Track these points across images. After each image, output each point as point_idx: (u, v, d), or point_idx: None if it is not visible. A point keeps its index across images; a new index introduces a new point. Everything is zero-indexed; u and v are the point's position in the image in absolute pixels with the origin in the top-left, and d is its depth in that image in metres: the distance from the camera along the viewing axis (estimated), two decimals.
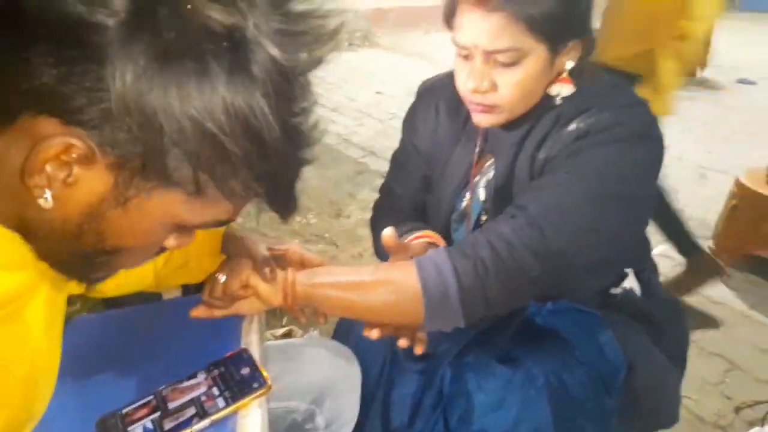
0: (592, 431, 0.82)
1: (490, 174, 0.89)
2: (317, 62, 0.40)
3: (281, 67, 0.37)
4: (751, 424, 1.46)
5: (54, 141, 0.37)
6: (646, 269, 0.99)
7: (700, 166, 3.05)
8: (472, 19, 0.73)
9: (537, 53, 0.74)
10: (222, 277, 0.72)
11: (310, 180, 2.67)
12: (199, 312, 0.75)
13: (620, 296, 0.93)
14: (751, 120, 3.95)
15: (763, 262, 2.07)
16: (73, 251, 0.43)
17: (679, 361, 0.96)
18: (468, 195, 0.92)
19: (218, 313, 0.75)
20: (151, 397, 0.63)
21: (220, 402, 0.61)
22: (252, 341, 0.74)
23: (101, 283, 0.52)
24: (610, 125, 0.76)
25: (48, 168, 0.38)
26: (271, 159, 0.40)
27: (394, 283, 0.73)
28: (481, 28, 0.73)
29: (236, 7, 0.35)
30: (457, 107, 0.94)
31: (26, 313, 0.46)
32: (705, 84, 4.71)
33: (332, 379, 0.78)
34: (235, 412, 0.61)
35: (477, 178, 0.91)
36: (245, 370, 0.66)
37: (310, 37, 0.38)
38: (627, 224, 0.78)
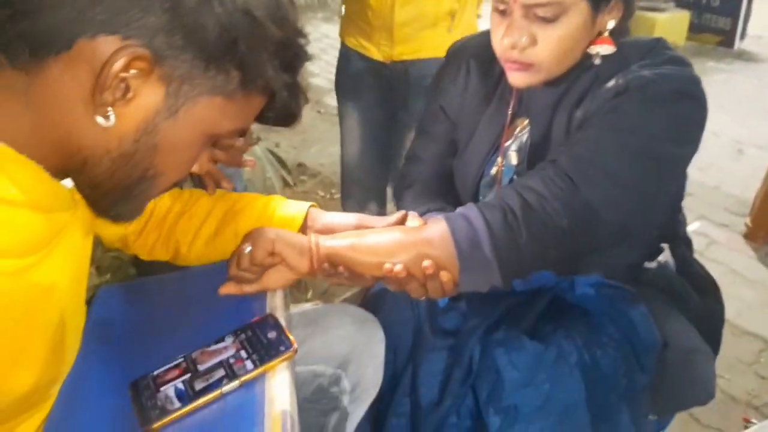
0: (624, 409, 0.80)
1: (524, 137, 0.86)
2: None
3: None
4: None
5: (121, 54, 0.39)
6: (681, 244, 0.95)
7: (737, 142, 2.95)
8: None
9: (579, 9, 0.71)
10: (248, 248, 0.71)
11: (333, 155, 2.67)
12: (228, 289, 0.74)
13: (654, 271, 0.91)
14: None
15: None
16: (119, 178, 0.45)
17: (713, 339, 0.93)
18: (499, 160, 0.89)
19: (248, 288, 0.73)
20: (181, 359, 0.63)
21: (249, 364, 0.61)
22: (277, 307, 0.74)
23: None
24: (650, 82, 0.73)
25: (116, 83, 0.40)
26: (292, 46, 0.47)
27: (423, 239, 0.71)
28: None
29: None
30: (489, 68, 0.91)
31: (54, 260, 0.46)
32: (743, 56, 4.51)
33: (357, 344, 0.78)
34: (263, 374, 0.61)
35: (509, 142, 0.88)
36: (272, 334, 0.66)
37: None
38: (660, 184, 0.76)
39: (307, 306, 0.85)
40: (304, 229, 0.78)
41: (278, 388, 0.59)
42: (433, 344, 0.88)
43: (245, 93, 0.46)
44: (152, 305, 0.80)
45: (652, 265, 0.91)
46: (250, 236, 0.73)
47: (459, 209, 0.75)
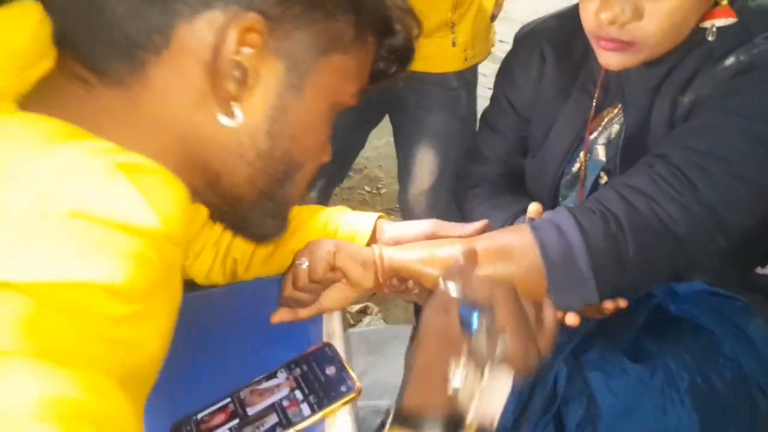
0: None
1: (613, 129, 0.74)
2: None
3: None
4: None
5: (231, 29, 0.32)
6: None
7: None
8: None
9: None
10: (304, 263, 0.61)
11: (378, 148, 2.57)
12: (281, 316, 0.65)
13: None
14: None
15: None
16: (262, 183, 0.39)
17: None
18: (581, 155, 0.77)
19: (303, 313, 0.64)
20: (228, 400, 0.55)
21: (305, 409, 0.52)
22: (335, 332, 0.65)
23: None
24: None
25: (232, 68, 0.34)
26: None
27: (504, 250, 0.60)
28: None
29: None
30: (567, 53, 0.79)
31: (155, 312, 0.37)
32: None
33: None
34: (321, 420, 0.52)
35: (594, 135, 0.76)
36: (330, 370, 0.57)
37: None
38: None
39: (359, 316, 0.75)
40: (371, 243, 0.68)
41: None
42: None
43: (361, 40, 0.40)
44: (196, 326, 0.72)
45: (766, 271, 0.78)
46: (306, 250, 0.63)
47: (546, 215, 0.64)
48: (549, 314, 0.51)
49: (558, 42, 0.79)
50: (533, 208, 0.68)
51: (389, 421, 0.42)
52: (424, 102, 1.28)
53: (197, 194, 0.39)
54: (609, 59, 0.66)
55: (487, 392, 0.41)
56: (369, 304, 1.58)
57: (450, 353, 0.42)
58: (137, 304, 0.33)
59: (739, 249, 0.73)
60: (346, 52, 0.39)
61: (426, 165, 1.32)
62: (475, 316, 0.44)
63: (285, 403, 0.53)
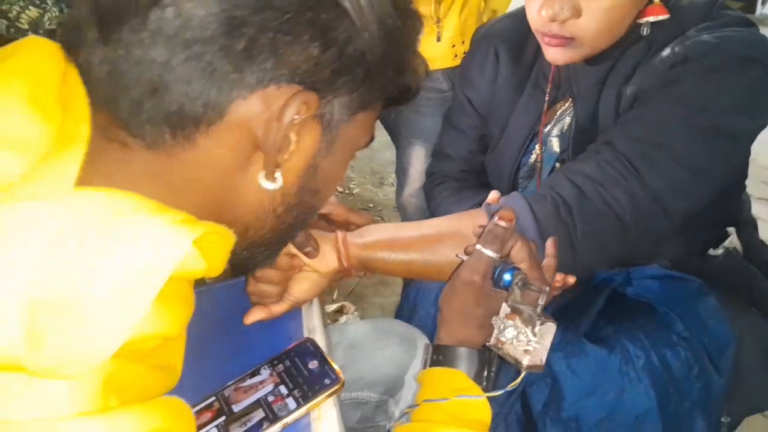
0: (699, 415, 0.73)
1: (565, 121, 0.78)
2: None
3: None
4: None
5: (290, 104, 0.33)
6: (748, 226, 0.87)
7: None
8: None
9: None
10: None
11: None
12: (255, 315, 0.65)
13: (721, 258, 0.82)
14: None
15: None
16: (282, 231, 0.41)
17: None
18: (537, 147, 0.81)
19: (277, 308, 0.65)
20: (213, 398, 0.56)
21: (291, 403, 0.54)
22: (315, 327, 0.67)
23: None
24: (712, 49, 0.65)
25: (282, 141, 0.35)
26: (411, 44, 0.41)
27: (461, 235, 0.63)
28: None
29: None
30: (520, 52, 0.83)
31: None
32: (765, 22, 4.33)
33: (404, 366, 0.70)
34: (307, 413, 0.54)
35: (548, 128, 0.80)
36: (313, 364, 0.59)
37: None
38: (732, 165, 0.68)
39: (335, 316, 0.77)
40: (328, 225, 0.69)
41: (326, 429, 0.52)
42: None
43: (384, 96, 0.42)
44: None
45: (717, 252, 0.83)
46: None
47: (502, 200, 0.67)
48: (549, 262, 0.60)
49: (512, 41, 0.83)
50: (492, 196, 0.71)
51: (427, 359, 0.56)
52: (414, 105, 1.31)
53: None
54: (554, 54, 0.70)
55: (539, 343, 0.51)
56: (345, 303, 1.60)
57: (486, 305, 0.53)
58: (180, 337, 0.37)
59: (692, 234, 0.78)
60: (373, 109, 0.40)
61: (418, 165, 1.35)
62: (509, 275, 0.53)
63: (270, 399, 0.55)
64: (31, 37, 0.35)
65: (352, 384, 0.68)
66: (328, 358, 0.59)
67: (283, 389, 0.56)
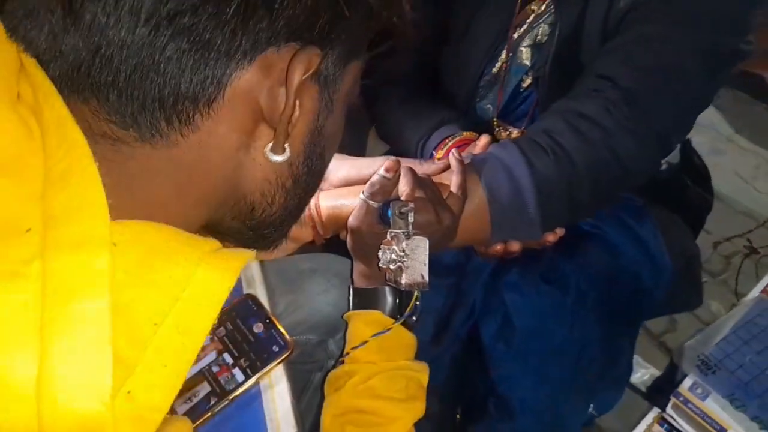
0: (628, 343, 0.79)
1: (539, 30, 0.71)
2: None
3: None
4: (728, 258, 1.45)
5: (295, 67, 0.30)
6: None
7: None
8: None
9: None
10: None
11: None
12: None
13: (665, 173, 0.82)
14: None
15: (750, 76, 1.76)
16: (292, 205, 0.37)
17: (698, 226, 0.89)
18: (503, 54, 0.73)
19: None
20: None
21: (238, 374, 0.51)
22: (254, 277, 0.62)
23: None
24: None
25: (289, 108, 0.31)
26: None
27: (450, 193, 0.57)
28: None
29: None
30: None
31: None
32: None
33: (345, 309, 0.69)
34: (256, 384, 0.52)
35: (518, 34, 0.73)
36: (258, 327, 0.55)
37: None
38: (719, 84, 0.64)
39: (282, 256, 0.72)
40: None
41: (278, 401, 0.51)
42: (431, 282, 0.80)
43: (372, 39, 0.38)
44: None
45: (663, 167, 0.83)
46: None
47: (494, 150, 0.60)
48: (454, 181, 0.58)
49: None
50: (482, 141, 0.65)
51: (350, 305, 0.59)
52: None
53: (218, 225, 0.36)
54: None
55: (411, 258, 0.52)
56: None
57: (377, 241, 0.54)
58: None
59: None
60: (362, 56, 0.37)
61: None
62: (389, 209, 0.54)
63: (215, 369, 0.51)
64: None
65: (293, 329, 0.66)
66: (275, 320, 0.56)
67: (227, 357, 0.52)
